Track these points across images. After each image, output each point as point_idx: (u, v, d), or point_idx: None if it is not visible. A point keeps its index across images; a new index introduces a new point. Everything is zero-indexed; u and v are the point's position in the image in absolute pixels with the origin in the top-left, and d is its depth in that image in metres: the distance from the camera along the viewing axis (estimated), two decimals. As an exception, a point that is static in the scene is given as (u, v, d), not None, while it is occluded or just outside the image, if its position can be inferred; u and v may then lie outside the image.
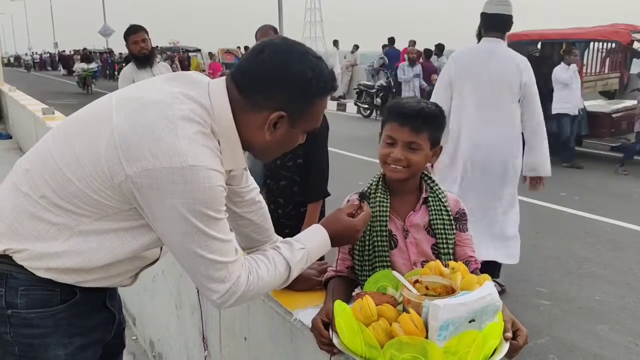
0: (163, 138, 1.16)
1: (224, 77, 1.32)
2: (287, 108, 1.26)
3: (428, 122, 1.51)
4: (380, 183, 1.61)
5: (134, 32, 4.48)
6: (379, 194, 1.58)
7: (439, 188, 1.61)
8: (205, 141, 1.21)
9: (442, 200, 1.58)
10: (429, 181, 1.62)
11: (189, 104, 1.22)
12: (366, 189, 1.62)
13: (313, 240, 1.43)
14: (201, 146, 1.19)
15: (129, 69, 4.59)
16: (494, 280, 3.26)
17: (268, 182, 2.73)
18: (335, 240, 1.45)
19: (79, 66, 22.68)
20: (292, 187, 2.63)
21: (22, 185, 1.29)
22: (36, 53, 53.84)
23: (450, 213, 1.57)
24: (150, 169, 1.16)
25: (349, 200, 1.64)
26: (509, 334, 1.25)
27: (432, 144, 1.54)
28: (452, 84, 3.53)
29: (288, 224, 2.61)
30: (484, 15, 3.53)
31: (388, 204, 1.57)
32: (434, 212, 1.56)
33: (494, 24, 3.47)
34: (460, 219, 1.59)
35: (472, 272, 1.45)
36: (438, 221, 1.56)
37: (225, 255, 1.25)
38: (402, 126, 1.50)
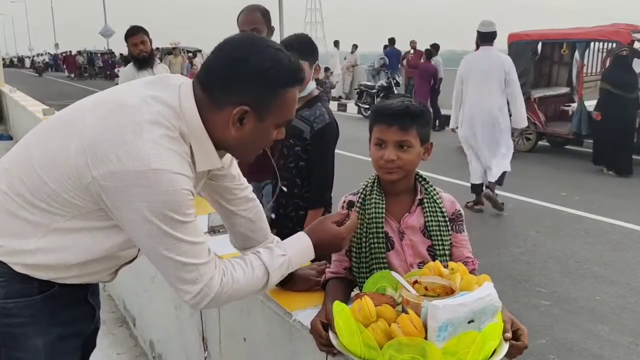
0: (128, 142, 1.18)
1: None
2: (250, 102, 1.25)
3: (415, 119, 1.51)
4: (375, 184, 1.60)
5: (133, 34, 4.48)
6: (374, 196, 1.57)
7: (434, 189, 1.60)
8: (171, 145, 1.21)
9: (437, 201, 1.57)
10: (423, 182, 1.61)
11: (157, 107, 1.23)
12: (360, 190, 1.62)
13: (295, 248, 1.43)
14: (166, 150, 1.19)
15: (130, 69, 4.60)
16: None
17: (272, 182, 2.73)
18: (320, 248, 1.45)
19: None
20: (293, 189, 2.62)
21: (0, 183, 1.33)
22: (42, 54, 52.89)
23: (445, 214, 1.56)
24: (115, 172, 1.17)
25: (345, 202, 1.64)
26: (509, 335, 1.24)
27: (422, 140, 1.54)
28: (463, 78, 5.76)
29: (286, 225, 2.61)
30: (479, 33, 5.77)
31: (383, 206, 1.56)
32: (429, 214, 1.55)
33: (486, 39, 5.72)
34: (456, 219, 1.59)
35: (469, 272, 1.44)
36: (433, 223, 1.55)
37: (195, 257, 1.25)
38: (390, 126, 1.50)
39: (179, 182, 1.20)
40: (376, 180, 1.61)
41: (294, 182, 2.61)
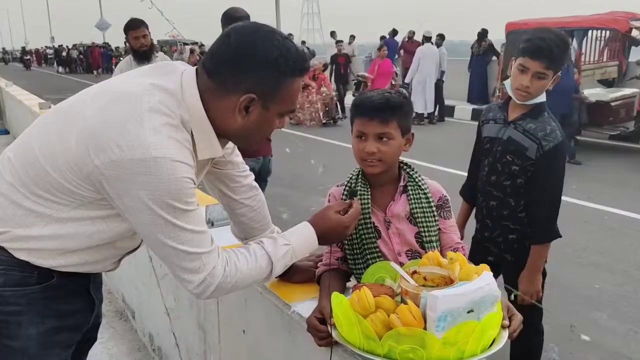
0: (129, 130, 1.17)
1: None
2: (257, 90, 1.24)
3: (396, 111, 1.52)
4: (359, 176, 1.62)
5: (134, 28, 4.42)
6: (359, 187, 1.60)
7: (419, 175, 1.61)
8: (172, 133, 1.21)
9: (422, 187, 1.59)
10: (408, 169, 1.62)
11: (158, 95, 1.23)
12: (346, 182, 1.63)
13: (299, 237, 1.43)
14: (167, 138, 1.19)
15: (127, 61, 4.56)
16: None
17: (479, 199, 2.40)
18: (323, 238, 1.45)
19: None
20: (502, 210, 2.27)
21: (5, 173, 1.33)
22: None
23: (430, 200, 1.58)
24: (116, 160, 1.17)
25: (330, 194, 1.65)
26: (506, 322, 1.25)
27: (403, 132, 1.54)
28: (420, 59, 11.77)
29: (492, 251, 2.32)
30: (424, 37, 12.14)
31: (369, 197, 1.58)
32: (413, 201, 1.57)
33: (428, 40, 11.87)
34: (443, 206, 1.60)
35: None
36: (418, 209, 1.56)
37: (197, 246, 1.25)
38: (371, 119, 1.51)
39: (180, 170, 1.19)
40: (361, 172, 1.62)
41: (505, 203, 2.26)
